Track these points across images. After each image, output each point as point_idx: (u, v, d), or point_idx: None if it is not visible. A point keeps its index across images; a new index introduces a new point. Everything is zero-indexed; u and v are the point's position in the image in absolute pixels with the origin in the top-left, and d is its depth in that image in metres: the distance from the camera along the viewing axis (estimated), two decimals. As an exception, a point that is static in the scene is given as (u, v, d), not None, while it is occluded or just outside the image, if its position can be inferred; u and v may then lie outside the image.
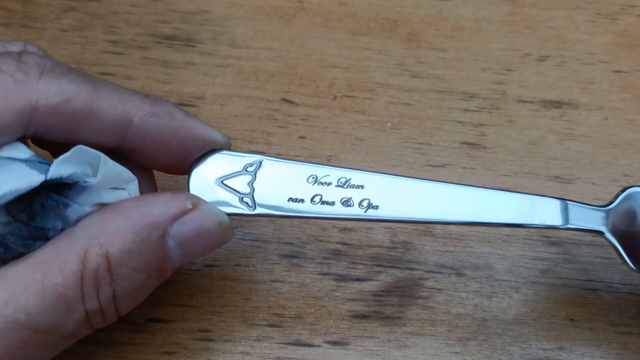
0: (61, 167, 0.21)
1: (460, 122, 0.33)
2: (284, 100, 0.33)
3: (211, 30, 0.35)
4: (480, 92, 0.34)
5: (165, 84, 0.33)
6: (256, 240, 0.29)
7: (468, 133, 0.32)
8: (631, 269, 0.25)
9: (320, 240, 0.29)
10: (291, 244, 0.29)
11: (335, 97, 0.33)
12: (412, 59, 0.34)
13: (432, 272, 0.29)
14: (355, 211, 0.25)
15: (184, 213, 0.23)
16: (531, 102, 0.33)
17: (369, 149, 0.32)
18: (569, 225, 0.25)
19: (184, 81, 0.33)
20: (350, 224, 0.30)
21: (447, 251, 0.29)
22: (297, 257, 0.29)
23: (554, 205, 0.25)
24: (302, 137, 0.32)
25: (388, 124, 0.33)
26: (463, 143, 0.32)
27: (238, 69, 0.34)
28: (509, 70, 0.34)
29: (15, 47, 0.24)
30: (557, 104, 0.33)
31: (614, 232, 0.25)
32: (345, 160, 0.31)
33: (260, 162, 0.25)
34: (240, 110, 0.33)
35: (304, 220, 0.30)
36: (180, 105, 0.31)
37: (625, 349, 0.27)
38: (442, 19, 0.36)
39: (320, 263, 0.29)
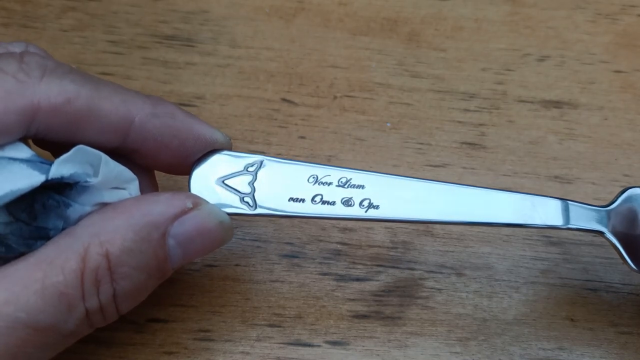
0: (62, 167, 0.21)
1: (460, 122, 0.33)
2: (284, 100, 0.33)
3: (211, 30, 0.35)
4: (480, 92, 0.34)
5: (165, 84, 0.33)
6: (256, 240, 0.29)
7: (468, 133, 0.32)
8: (632, 269, 0.25)
9: (320, 240, 0.29)
10: (291, 244, 0.29)
11: (335, 97, 0.33)
12: (412, 59, 0.34)
13: (432, 272, 0.29)
14: (355, 211, 0.25)
15: (184, 212, 0.23)
16: (531, 102, 0.33)
17: (369, 149, 0.32)
18: (569, 226, 0.25)
19: (184, 81, 0.33)
20: (350, 224, 0.30)
21: (447, 251, 0.29)
22: (297, 257, 0.29)
23: (555, 206, 0.25)
24: (302, 137, 0.32)
25: (388, 124, 0.33)
26: (463, 143, 0.32)
27: (238, 69, 0.34)
28: (509, 70, 0.34)
29: (17, 48, 0.24)
30: (557, 104, 0.33)
31: (615, 232, 0.25)
32: (346, 160, 0.31)
33: (261, 162, 0.25)
34: (240, 110, 0.33)
35: (304, 220, 0.30)
36: (181, 105, 0.31)
37: (625, 349, 0.27)
38: (442, 19, 0.36)
39: (320, 263, 0.29)
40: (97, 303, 0.22)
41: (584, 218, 0.25)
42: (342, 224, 0.30)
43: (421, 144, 0.32)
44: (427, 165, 0.32)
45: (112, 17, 0.35)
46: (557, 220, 0.25)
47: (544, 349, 0.27)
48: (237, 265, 0.29)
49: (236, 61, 0.34)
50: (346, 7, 0.36)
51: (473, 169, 0.31)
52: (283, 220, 0.30)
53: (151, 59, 0.34)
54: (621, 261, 0.25)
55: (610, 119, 0.33)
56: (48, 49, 0.33)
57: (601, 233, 0.25)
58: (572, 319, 0.28)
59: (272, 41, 0.35)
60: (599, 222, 0.25)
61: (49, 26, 0.35)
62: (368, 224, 0.30)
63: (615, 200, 0.26)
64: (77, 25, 0.35)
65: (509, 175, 0.31)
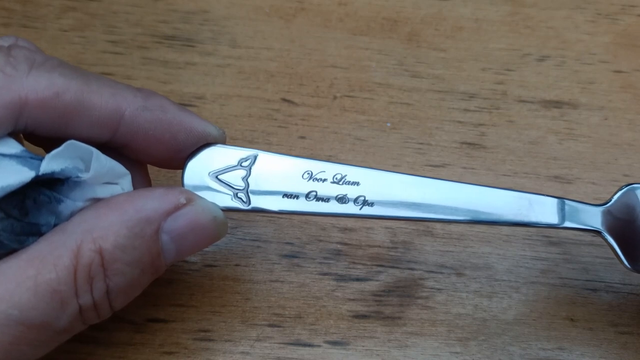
0: (53, 163, 0.21)
1: (460, 122, 0.33)
2: (284, 100, 0.33)
3: (211, 30, 0.35)
4: (480, 92, 0.34)
5: (165, 84, 0.33)
6: (256, 240, 0.29)
7: (468, 133, 0.32)
8: (627, 267, 0.25)
9: (320, 240, 0.29)
10: (291, 244, 0.29)
11: (335, 97, 0.33)
12: (412, 59, 0.34)
13: (432, 272, 0.29)
14: (350, 209, 0.25)
15: (177, 208, 0.23)
16: (531, 102, 0.33)
17: (369, 149, 0.32)
18: (565, 224, 0.25)
19: (184, 81, 0.33)
20: (350, 224, 0.30)
21: (447, 251, 0.29)
22: (297, 257, 0.29)
23: (551, 204, 0.25)
24: (302, 137, 0.32)
25: (388, 124, 0.33)
26: (463, 143, 0.32)
27: (238, 69, 0.34)
28: (509, 70, 0.34)
29: (6, 42, 0.24)
30: (557, 104, 0.33)
31: (611, 231, 0.25)
32: (345, 160, 0.31)
33: (255, 157, 0.25)
34: (240, 110, 0.33)
35: (304, 220, 0.30)
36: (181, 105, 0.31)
37: (625, 349, 0.27)
38: (442, 19, 0.36)
39: (320, 263, 0.29)
40: (90, 300, 0.22)
41: (580, 216, 0.25)
42: (342, 223, 0.30)
43: (421, 144, 0.32)
44: (427, 165, 0.32)
45: (112, 17, 0.35)
46: (553, 218, 0.25)
47: (544, 349, 0.27)
48: (237, 265, 0.29)
49: (236, 61, 0.34)
50: (346, 7, 0.36)
51: (473, 169, 0.31)
52: (283, 220, 0.30)
53: (151, 59, 0.34)
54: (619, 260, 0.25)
55: (610, 119, 0.33)
56: (48, 49, 0.33)
57: (597, 231, 0.25)
58: (572, 319, 0.28)
59: (272, 41, 0.35)
60: (596, 220, 0.25)
61: (49, 26, 0.35)
62: (367, 224, 0.30)
63: (612, 199, 0.26)
64: (77, 25, 0.35)
65: (509, 175, 0.31)
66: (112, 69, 0.33)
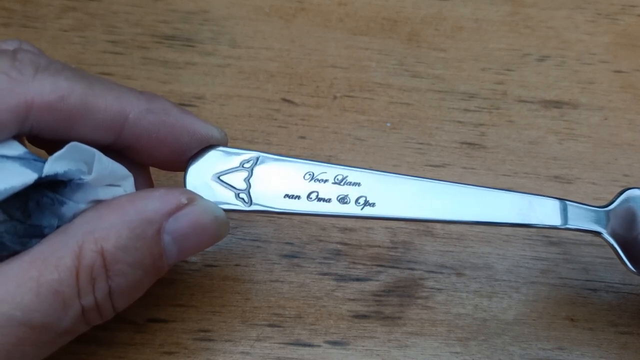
0: (56, 165, 0.21)
1: (460, 122, 0.33)
2: (284, 100, 0.33)
3: (211, 30, 0.35)
4: (480, 92, 0.34)
5: (165, 84, 0.33)
6: (256, 240, 0.29)
7: (468, 133, 0.32)
8: (629, 270, 0.25)
9: (320, 240, 0.29)
10: (291, 244, 0.29)
11: (335, 97, 0.33)
12: (412, 59, 0.34)
13: (432, 272, 0.29)
14: (351, 209, 0.25)
15: (179, 208, 0.23)
16: (531, 102, 0.33)
17: (369, 149, 0.32)
18: (567, 226, 0.25)
19: (184, 81, 0.33)
20: (350, 224, 0.30)
21: (447, 251, 0.29)
22: (297, 257, 0.29)
23: (553, 206, 0.25)
24: (302, 137, 0.32)
25: (388, 124, 0.33)
26: (463, 143, 0.32)
27: (238, 69, 0.34)
28: (509, 70, 0.34)
29: (10, 46, 0.24)
30: (557, 104, 0.33)
31: (613, 233, 0.25)
32: (346, 160, 0.31)
33: (257, 159, 0.25)
34: (240, 110, 0.33)
35: (304, 220, 0.30)
36: (181, 105, 0.31)
37: (625, 349, 0.27)
38: (442, 19, 0.36)
39: (320, 263, 0.29)
40: (92, 300, 0.22)
41: (582, 218, 0.25)
42: (342, 223, 0.30)
43: (421, 144, 0.32)
44: (427, 165, 0.32)
45: (112, 17, 0.35)
46: (555, 220, 0.25)
47: (544, 349, 0.27)
48: (237, 265, 0.29)
49: (236, 61, 0.34)
50: (346, 7, 0.36)
51: (473, 169, 0.32)
52: (283, 220, 0.30)
53: (151, 59, 0.34)
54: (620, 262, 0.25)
55: (610, 119, 0.33)
56: (48, 49, 0.33)
57: (599, 234, 0.25)
58: (572, 319, 0.28)
59: (272, 41, 0.35)
60: (597, 222, 0.25)
61: (49, 26, 0.35)
62: (368, 224, 0.30)
63: (614, 201, 0.26)
64: (77, 25, 0.35)
65: (509, 175, 0.31)
66: (112, 69, 0.33)
